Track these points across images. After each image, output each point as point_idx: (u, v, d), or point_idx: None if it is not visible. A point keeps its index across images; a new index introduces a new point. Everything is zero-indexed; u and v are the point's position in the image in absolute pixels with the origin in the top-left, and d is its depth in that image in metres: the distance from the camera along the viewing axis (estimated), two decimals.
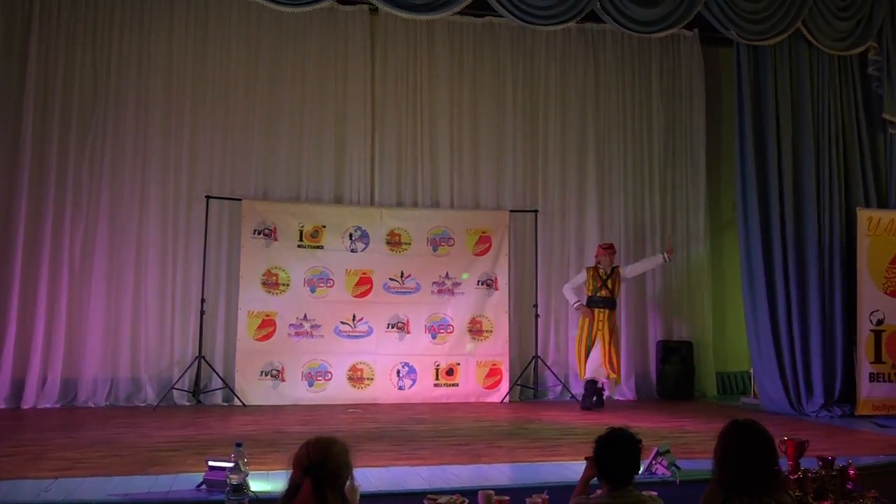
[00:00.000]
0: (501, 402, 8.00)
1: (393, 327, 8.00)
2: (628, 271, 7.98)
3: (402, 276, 8.05)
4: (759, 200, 7.54)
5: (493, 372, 8.12)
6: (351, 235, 8.00)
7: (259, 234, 7.79)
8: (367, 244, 8.02)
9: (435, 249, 8.17)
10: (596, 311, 7.69)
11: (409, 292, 8.05)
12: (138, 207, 7.72)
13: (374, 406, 7.57)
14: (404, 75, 8.36)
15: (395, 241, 8.10)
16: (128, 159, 7.73)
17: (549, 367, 8.31)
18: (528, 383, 8.27)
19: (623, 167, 8.74)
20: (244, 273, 7.73)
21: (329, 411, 7.22)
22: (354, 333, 7.90)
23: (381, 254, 8.03)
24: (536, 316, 8.25)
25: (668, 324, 8.76)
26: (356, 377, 7.87)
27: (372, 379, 7.88)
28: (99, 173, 7.65)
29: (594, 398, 7.60)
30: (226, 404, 7.57)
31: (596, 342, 7.63)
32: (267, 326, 7.72)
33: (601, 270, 7.78)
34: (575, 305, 7.83)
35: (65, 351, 7.38)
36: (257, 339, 7.69)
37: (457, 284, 8.15)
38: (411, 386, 7.96)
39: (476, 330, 8.16)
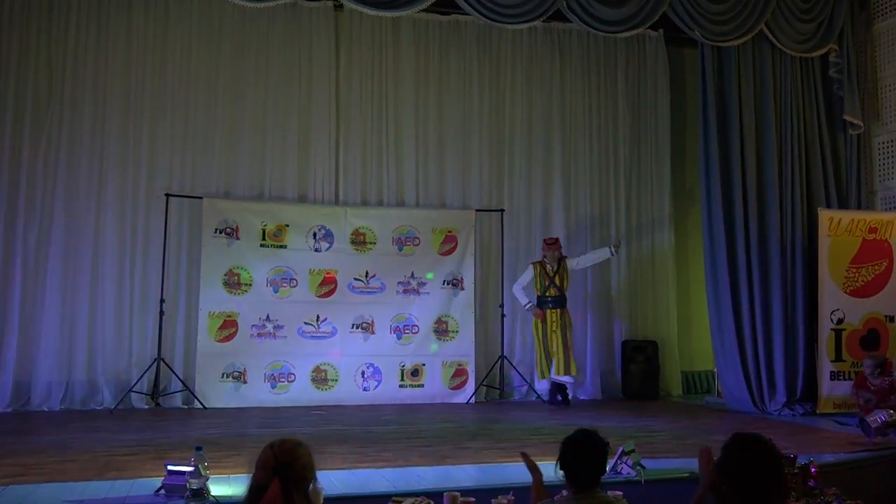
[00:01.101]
0: (467, 402, 8.00)
1: (357, 328, 7.96)
2: (575, 263, 8.02)
3: (366, 276, 8.02)
4: (723, 201, 7.63)
5: (459, 372, 8.13)
6: (315, 234, 7.96)
7: (221, 233, 7.72)
8: (331, 243, 7.97)
9: (400, 249, 8.15)
10: (548, 311, 7.77)
11: (374, 292, 8.02)
12: (95, 206, 7.63)
13: (338, 408, 7.54)
14: (369, 73, 8.34)
15: (359, 241, 8.06)
16: (84, 157, 7.63)
17: (514, 367, 8.33)
18: (494, 384, 8.27)
19: (589, 168, 8.81)
20: (205, 273, 7.65)
21: (293, 413, 7.18)
22: (318, 334, 7.86)
23: (346, 253, 7.99)
24: (503, 315, 8.27)
25: (634, 322, 8.83)
26: (320, 378, 7.83)
27: (336, 380, 7.85)
28: (54, 171, 7.54)
29: (559, 397, 7.70)
30: (186, 407, 7.50)
31: (553, 344, 7.71)
32: (228, 327, 7.67)
33: (548, 267, 7.85)
34: (527, 307, 7.87)
35: (18, 353, 7.28)
36: (219, 341, 7.62)
37: (422, 284, 8.14)
38: (376, 387, 7.93)
39: (442, 330, 8.16)
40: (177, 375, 7.58)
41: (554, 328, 7.74)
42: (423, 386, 8.05)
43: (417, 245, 8.17)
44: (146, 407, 7.43)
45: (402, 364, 8.01)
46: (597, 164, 8.86)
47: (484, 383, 8.22)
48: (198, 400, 7.46)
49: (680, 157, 9.18)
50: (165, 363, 7.51)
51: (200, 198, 7.77)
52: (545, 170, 8.74)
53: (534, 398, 8.20)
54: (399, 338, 8.03)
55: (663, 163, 8.97)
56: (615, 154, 8.93)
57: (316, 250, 7.94)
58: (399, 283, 8.10)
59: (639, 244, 8.94)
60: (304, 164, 8.18)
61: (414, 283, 8.12)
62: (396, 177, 8.41)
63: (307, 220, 7.96)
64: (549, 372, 7.78)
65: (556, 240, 8.02)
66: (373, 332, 7.98)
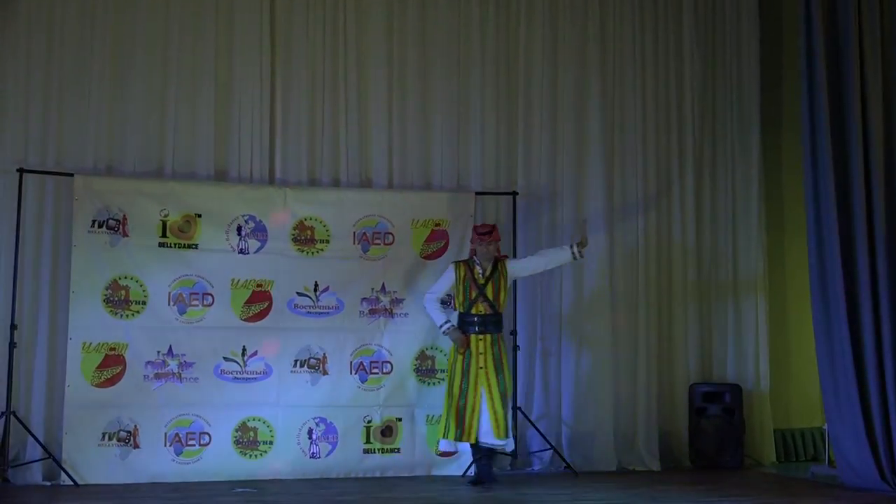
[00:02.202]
0: (463, 475, 7.93)
1: (303, 365, 7.88)
2: (520, 267, 7.73)
3: (315, 290, 7.97)
4: (836, 187, 7.54)
5: None
6: (239, 229, 7.88)
7: (101, 225, 7.63)
8: (263, 242, 7.91)
9: (365, 249, 8.08)
10: (472, 338, 7.48)
11: (327, 313, 7.96)
12: None
13: (274, 483, 7.50)
14: None
15: (305, 238, 8.00)
16: None
17: (533, 424, 8.25)
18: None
19: (640, 133, 8.88)
20: (77, 285, 7.54)
21: (207, 492, 7.10)
22: (245, 375, 7.79)
23: (285, 256, 7.96)
24: (515, 347, 8.17)
25: (706, 359, 8.93)
26: (247, 440, 7.75)
27: (271, 443, 7.78)
28: None
29: (475, 469, 7.54)
30: (49, 484, 7.39)
31: (479, 388, 7.40)
32: (112, 365, 7.57)
33: (476, 269, 7.56)
34: (443, 329, 7.64)
35: None
36: (97, 385, 7.52)
37: (397, 302, 8.06)
38: (330, 453, 7.87)
39: (426, 369, 8.10)
40: (34, 437, 7.41)
41: (482, 363, 7.40)
42: (398, 451, 7.98)
43: (391, 244, 8.12)
44: None
45: (369, 419, 7.94)
46: (652, 126, 8.92)
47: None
48: (66, 473, 7.33)
49: (773, 121, 9.23)
50: (18, 419, 7.37)
51: (71, 175, 7.67)
52: (577, 135, 8.77)
53: (562, 468, 8.14)
54: (363, 380, 7.94)
55: (749, 134, 9.06)
56: (679, 114, 8.98)
57: (241, 252, 7.86)
58: (364, 299, 8.02)
59: (713, 244, 8.96)
60: (224, 126, 8.18)
61: (386, 301, 8.05)
62: (359, 145, 8.41)
63: (228, 207, 7.87)
64: (462, 431, 7.38)
65: (493, 228, 7.67)
66: (324, 373, 7.92)
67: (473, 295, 7.50)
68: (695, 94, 8.98)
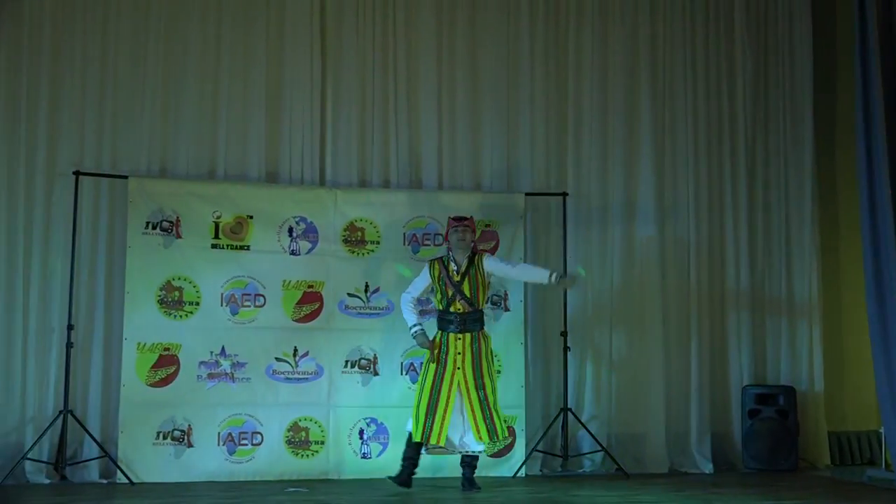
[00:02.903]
0: (514, 476, 7.93)
1: (353, 366, 7.89)
2: (495, 267, 7.31)
3: (366, 291, 7.97)
4: (892, 188, 7.44)
5: None
6: (291, 230, 7.91)
7: (154, 227, 7.70)
8: (314, 243, 7.94)
9: (416, 250, 8.07)
10: (451, 337, 7.14)
11: (378, 314, 7.98)
12: None
13: (325, 483, 7.49)
14: None
15: (356, 239, 8.02)
16: None
17: (584, 426, 8.24)
18: (555, 449, 8.20)
19: (691, 132, 8.83)
20: (132, 286, 7.62)
21: (259, 491, 7.11)
22: (296, 376, 7.81)
23: (336, 257, 7.97)
24: (566, 348, 8.15)
25: (759, 360, 8.82)
26: (299, 440, 7.78)
27: (322, 443, 7.80)
28: None
29: (406, 470, 7.17)
30: (105, 482, 7.46)
31: (452, 391, 7.03)
32: (166, 365, 7.63)
33: (451, 266, 7.24)
34: (412, 331, 7.30)
35: None
36: (152, 385, 7.59)
37: None
38: (381, 453, 7.88)
39: None
40: (91, 436, 7.50)
41: (459, 363, 7.05)
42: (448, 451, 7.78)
43: (440, 245, 8.04)
44: (47, 482, 7.40)
45: None
46: (703, 129, 8.89)
47: (539, 448, 8.13)
48: (121, 471, 7.40)
49: (826, 123, 9.17)
50: (75, 418, 7.45)
51: (125, 177, 7.75)
52: (627, 136, 8.74)
53: (613, 469, 8.09)
54: (414, 381, 7.84)
55: (801, 131, 8.97)
56: (730, 111, 8.94)
57: (292, 253, 7.88)
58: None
59: (766, 245, 8.91)
60: (275, 129, 8.22)
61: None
62: (409, 147, 8.43)
63: (279, 209, 7.91)
64: (433, 433, 7.00)
65: (469, 220, 7.39)
66: (375, 373, 7.94)
67: (450, 293, 7.16)
68: (746, 97, 8.91)
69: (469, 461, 7.19)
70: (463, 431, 7.09)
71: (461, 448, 7.14)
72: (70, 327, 7.44)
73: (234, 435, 7.66)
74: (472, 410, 7.04)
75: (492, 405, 7.07)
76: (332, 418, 7.80)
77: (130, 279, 7.60)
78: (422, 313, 7.42)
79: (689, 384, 8.51)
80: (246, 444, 7.67)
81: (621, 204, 8.63)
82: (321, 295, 7.87)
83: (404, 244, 8.04)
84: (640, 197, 8.65)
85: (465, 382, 7.04)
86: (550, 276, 7.18)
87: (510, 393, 7.99)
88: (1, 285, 7.61)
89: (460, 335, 7.13)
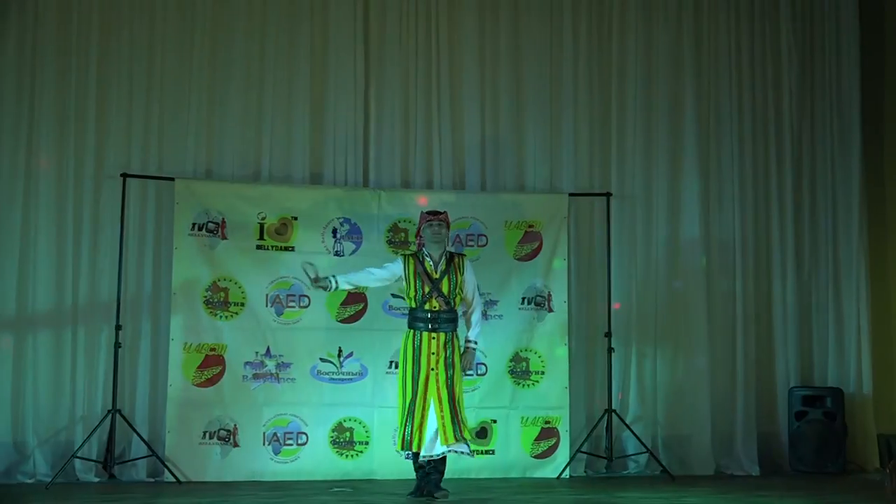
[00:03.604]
0: (558, 478, 7.90)
1: (397, 367, 7.63)
2: (467, 289, 6.86)
3: None
4: None
5: (547, 433, 8.03)
6: (335, 231, 7.93)
7: (200, 228, 7.74)
8: (358, 244, 7.96)
9: (459, 251, 7.92)
10: (424, 336, 6.70)
11: None
12: (22, 192, 7.76)
13: (370, 483, 7.51)
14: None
15: (399, 240, 8.04)
16: (6, 122, 7.79)
17: (628, 427, 8.22)
18: (599, 450, 8.20)
19: (738, 138, 8.79)
20: (178, 287, 7.68)
21: (304, 491, 7.13)
22: (341, 376, 7.85)
23: (381, 258, 7.81)
24: (610, 349, 8.13)
25: (806, 361, 8.78)
26: (344, 441, 7.81)
27: (367, 443, 7.82)
28: None
29: (424, 480, 6.72)
30: (152, 480, 7.53)
31: (428, 396, 6.62)
32: (212, 365, 7.68)
33: (427, 262, 6.81)
34: (313, 284, 6.89)
35: None
36: (198, 385, 7.64)
37: (492, 304, 8.02)
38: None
39: (521, 371, 8.06)
40: (139, 435, 7.56)
41: (433, 364, 6.65)
42: (493, 452, 7.97)
43: (484, 246, 8.11)
44: (96, 480, 7.45)
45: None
46: (748, 126, 8.82)
47: (584, 449, 8.12)
48: (169, 470, 7.46)
49: (874, 114, 9.11)
50: (123, 417, 7.51)
51: (172, 179, 7.81)
52: (671, 135, 8.70)
53: (657, 471, 8.07)
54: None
55: (848, 127, 8.90)
56: (776, 110, 8.87)
57: (337, 254, 7.90)
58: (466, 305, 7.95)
59: (812, 244, 8.85)
60: (319, 131, 8.25)
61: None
62: (452, 147, 8.43)
63: (324, 210, 7.94)
64: (413, 440, 6.60)
65: (443, 214, 6.94)
66: None
67: (427, 290, 6.72)
68: (792, 95, 8.84)
69: (436, 465, 6.69)
70: (433, 437, 6.63)
71: (423, 456, 6.64)
72: (118, 327, 7.51)
73: (279, 435, 7.69)
74: (441, 410, 6.60)
75: (459, 406, 6.65)
76: (376, 419, 7.80)
77: (177, 280, 7.65)
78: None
79: (734, 385, 8.46)
80: (291, 444, 7.70)
81: (665, 204, 8.60)
82: (365, 296, 7.87)
83: (448, 245, 8.03)
84: (685, 197, 8.61)
85: (438, 385, 6.62)
86: (469, 342, 6.86)
87: (553, 394, 8.03)
88: (51, 286, 7.68)
89: (434, 335, 6.70)
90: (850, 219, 8.80)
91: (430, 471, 6.69)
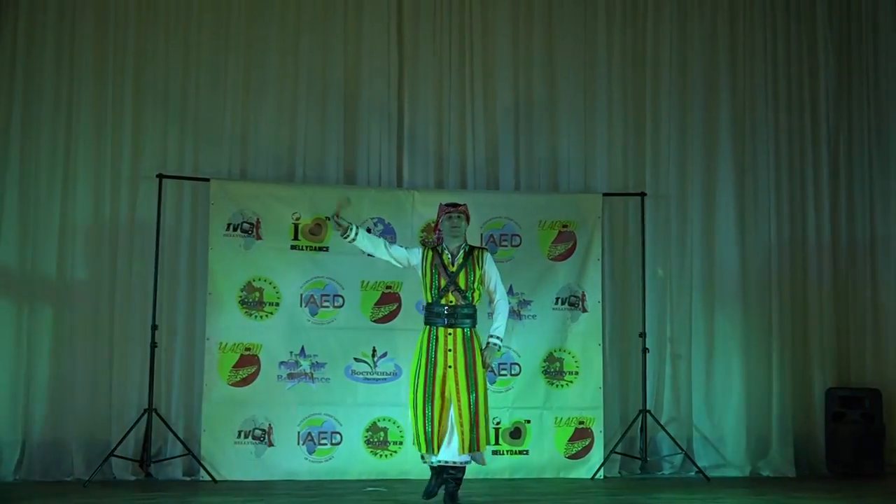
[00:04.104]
0: (593, 478, 7.90)
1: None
2: (490, 280, 6.55)
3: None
4: None
5: (581, 434, 8.03)
6: (369, 231, 7.81)
7: (235, 229, 7.80)
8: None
9: (493, 251, 7.95)
10: (440, 331, 6.38)
11: None
12: (60, 192, 7.82)
13: (404, 483, 7.49)
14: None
15: (433, 241, 7.86)
16: (45, 123, 7.84)
17: (663, 427, 8.20)
18: (633, 451, 8.18)
19: (774, 138, 8.74)
20: (213, 287, 7.73)
21: (339, 490, 7.15)
22: (375, 376, 7.88)
23: None
24: (645, 350, 8.11)
25: (843, 362, 8.73)
26: (378, 441, 7.84)
27: (401, 443, 7.84)
28: (4, 147, 7.76)
29: (435, 486, 6.42)
30: (188, 479, 7.59)
31: (446, 396, 6.30)
32: (247, 365, 7.72)
33: (445, 255, 6.50)
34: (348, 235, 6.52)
35: None
36: (233, 384, 7.68)
37: (525, 304, 8.02)
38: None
39: (555, 371, 8.07)
40: (175, 434, 7.63)
41: (451, 362, 6.30)
42: (527, 452, 7.98)
43: (518, 246, 8.12)
44: (133, 478, 7.52)
45: (497, 420, 7.90)
46: (784, 125, 8.79)
47: (618, 450, 8.11)
48: (205, 469, 7.51)
49: None
50: (159, 416, 7.57)
51: (207, 179, 7.87)
52: (706, 134, 8.70)
53: (692, 472, 8.03)
54: (492, 382, 7.82)
55: (886, 124, 8.83)
56: (812, 108, 8.84)
57: (370, 254, 7.77)
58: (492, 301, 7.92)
59: (850, 243, 8.80)
60: (353, 131, 8.29)
61: (514, 303, 7.96)
62: (486, 147, 8.45)
63: (357, 210, 7.89)
64: (432, 445, 6.30)
65: (463, 206, 6.61)
66: None
67: (443, 283, 6.41)
68: (829, 93, 8.80)
69: (454, 473, 6.36)
70: (448, 440, 6.31)
71: (439, 460, 6.34)
72: (154, 327, 7.56)
73: (313, 434, 7.72)
74: (461, 417, 6.26)
75: (480, 412, 6.30)
76: (410, 419, 7.77)
77: (212, 280, 7.70)
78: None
79: (770, 386, 8.41)
80: (325, 444, 7.73)
81: (700, 203, 8.57)
82: (399, 296, 7.90)
83: (482, 245, 7.99)
84: (720, 196, 8.59)
85: (457, 384, 6.28)
86: (492, 336, 6.50)
87: (587, 394, 8.03)
88: (88, 286, 7.76)
89: (450, 330, 6.36)
90: (888, 217, 8.75)
91: (448, 478, 6.37)
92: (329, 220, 6.73)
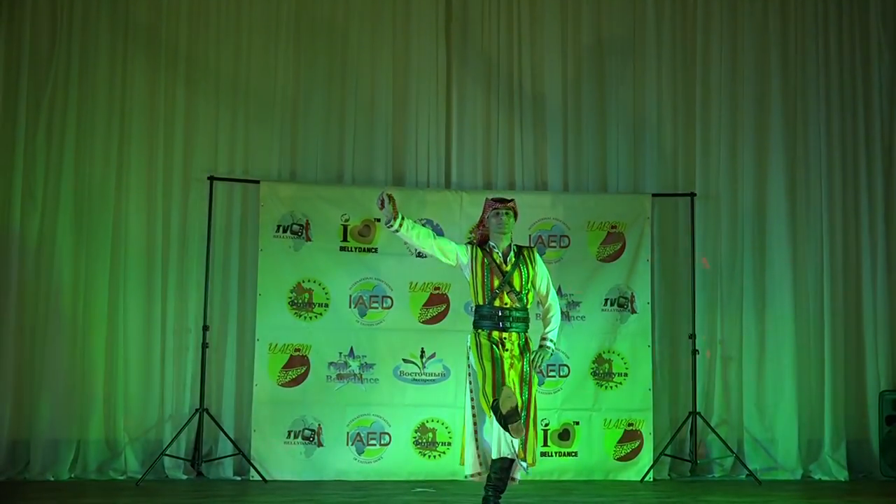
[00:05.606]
0: (642, 480, 7.87)
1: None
2: (541, 281, 5.96)
3: None
4: None
5: (630, 436, 8.02)
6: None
7: (285, 230, 7.85)
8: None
9: (542, 252, 7.93)
10: (495, 335, 5.77)
11: None
12: (114, 196, 7.90)
13: (453, 484, 7.47)
14: None
15: None
16: (99, 127, 7.92)
17: (713, 430, 8.13)
18: (683, 453, 8.14)
19: (826, 138, 8.65)
20: (264, 288, 7.80)
21: (388, 491, 7.16)
22: (423, 377, 7.89)
23: None
24: (694, 351, 8.06)
25: None
26: (426, 441, 7.85)
27: (449, 444, 7.84)
28: (59, 147, 7.82)
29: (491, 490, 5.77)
30: (239, 479, 7.66)
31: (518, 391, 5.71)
32: (297, 366, 7.76)
33: (496, 253, 5.87)
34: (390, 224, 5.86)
35: (12, 401, 7.55)
36: (283, 385, 7.73)
37: (574, 305, 8.01)
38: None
39: (604, 373, 8.04)
40: (226, 434, 7.70)
41: (513, 362, 5.74)
42: (576, 454, 7.96)
43: (567, 247, 8.11)
44: (184, 477, 7.62)
45: (546, 422, 7.89)
46: (836, 122, 8.67)
47: (667, 453, 8.07)
48: (255, 469, 7.56)
49: None
50: (210, 416, 7.64)
51: (257, 182, 7.94)
52: (757, 134, 8.61)
53: (743, 475, 7.98)
54: (540, 383, 7.77)
55: None
56: (866, 107, 8.71)
57: (419, 255, 7.84)
58: (541, 303, 7.88)
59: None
60: (401, 132, 8.33)
61: (562, 304, 7.78)
62: (534, 148, 8.47)
63: (406, 211, 7.66)
64: (485, 451, 5.82)
65: (511, 202, 5.97)
66: None
67: (496, 283, 5.79)
68: (883, 92, 8.66)
69: (498, 475, 5.78)
70: (512, 442, 5.64)
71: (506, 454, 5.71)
72: (205, 328, 7.63)
73: (362, 435, 7.74)
74: (529, 421, 5.75)
75: (530, 425, 5.74)
76: (459, 420, 7.52)
77: (262, 281, 7.75)
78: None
79: (822, 388, 8.31)
80: (374, 444, 7.76)
81: (751, 204, 8.50)
82: (448, 297, 7.92)
83: (530, 246, 8.01)
84: (771, 196, 8.51)
85: (516, 388, 5.69)
86: (545, 339, 5.91)
87: (637, 396, 8.02)
88: (141, 288, 7.83)
89: (505, 334, 5.77)
90: None
91: (496, 475, 5.75)
92: (377, 221, 6.72)
